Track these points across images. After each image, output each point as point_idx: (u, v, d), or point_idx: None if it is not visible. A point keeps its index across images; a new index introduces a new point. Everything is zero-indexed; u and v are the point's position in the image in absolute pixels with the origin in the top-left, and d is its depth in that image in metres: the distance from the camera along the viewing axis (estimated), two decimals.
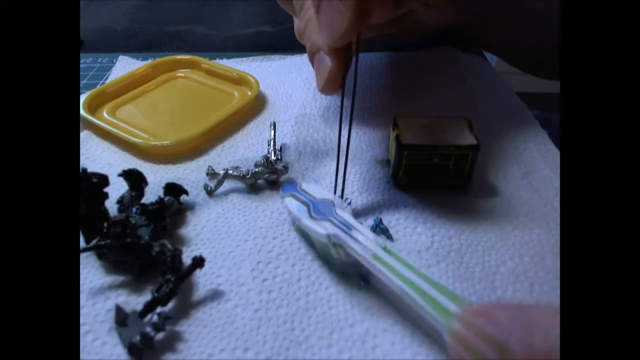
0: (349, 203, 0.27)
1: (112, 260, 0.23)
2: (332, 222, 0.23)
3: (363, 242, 0.22)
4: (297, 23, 0.32)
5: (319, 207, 0.24)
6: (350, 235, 0.22)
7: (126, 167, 0.27)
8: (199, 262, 0.22)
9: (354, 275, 0.23)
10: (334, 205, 0.24)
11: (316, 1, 0.24)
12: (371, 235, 0.22)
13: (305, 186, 0.26)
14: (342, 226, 0.23)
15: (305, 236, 0.25)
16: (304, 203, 0.25)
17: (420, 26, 0.37)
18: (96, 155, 0.31)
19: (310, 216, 0.24)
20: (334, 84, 0.26)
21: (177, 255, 0.23)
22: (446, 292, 0.19)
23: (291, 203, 0.25)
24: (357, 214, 0.27)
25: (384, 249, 0.21)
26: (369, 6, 0.22)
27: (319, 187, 0.26)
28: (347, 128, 0.25)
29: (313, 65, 0.27)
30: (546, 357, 0.16)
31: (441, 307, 0.19)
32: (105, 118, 0.34)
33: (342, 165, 0.26)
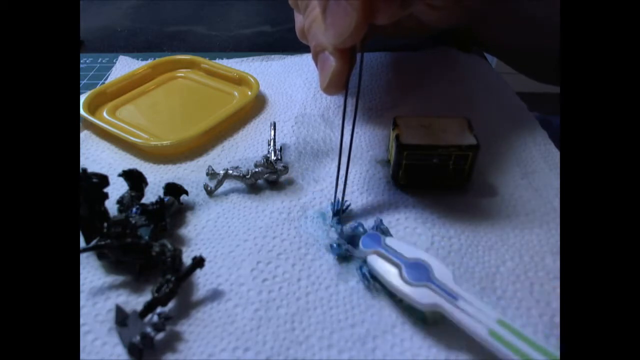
0: (349, 205, 0.27)
1: (112, 260, 0.23)
2: (431, 289, 0.20)
3: (474, 314, 0.19)
4: (299, 22, 0.32)
5: (413, 269, 0.21)
6: (457, 307, 0.20)
7: (126, 167, 0.27)
8: (199, 262, 0.22)
9: (360, 268, 0.23)
10: (430, 267, 0.21)
11: (322, 1, 0.24)
12: (481, 304, 0.20)
13: (389, 241, 0.23)
14: (444, 294, 0.20)
15: (389, 292, 0.22)
16: (393, 263, 0.22)
17: (422, 27, 0.37)
18: (96, 155, 0.31)
19: (403, 279, 0.21)
20: (337, 84, 0.26)
21: (177, 255, 0.23)
22: None
23: (377, 263, 0.22)
24: (357, 215, 0.27)
25: (500, 322, 0.19)
26: (376, 7, 0.22)
27: (406, 244, 0.23)
28: (349, 128, 0.25)
29: (316, 65, 0.27)
30: None
31: None
32: (105, 118, 0.34)
33: (343, 166, 0.26)
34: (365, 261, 0.23)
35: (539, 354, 0.18)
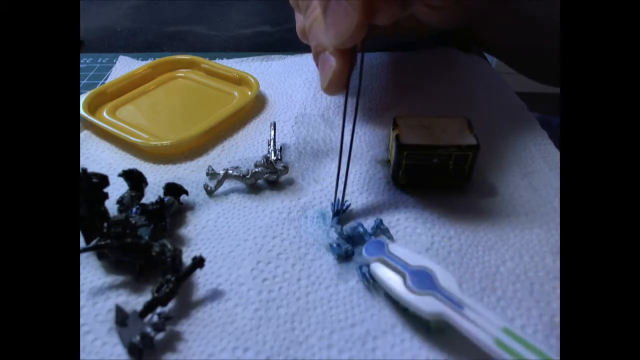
0: (349, 205, 0.27)
1: (112, 260, 0.23)
2: (436, 297, 0.20)
3: (480, 323, 0.19)
4: (300, 22, 0.32)
5: (418, 277, 0.21)
6: (463, 315, 0.19)
7: (126, 167, 0.27)
8: (199, 262, 0.22)
9: (359, 268, 0.23)
10: (434, 275, 0.21)
11: (323, 1, 0.24)
12: (487, 313, 0.19)
13: (393, 248, 0.23)
14: (450, 303, 0.20)
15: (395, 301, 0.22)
16: (397, 271, 0.22)
17: (421, 27, 0.37)
18: (96, 155, 0.31)
19: (407, 287, 0.21)
20: (338, 84, 0.26)
21: (177, 255, 0.23)
22: None
23: (381, 271, 0.22)
24: (357, 215, 0.27)
25: (506, 331, 0.19)
26: (377, 7, 0.22)
27: (409, 251, 0.23)
28: (349, 128, 0.25)
29: (317, 65, 0.27)
30: None
31: None
32: (105, 118, 0.34)
33: (343, 166, 0.26)
34: (367, 265, 0.23)
35: None
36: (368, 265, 0.23)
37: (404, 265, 0.22)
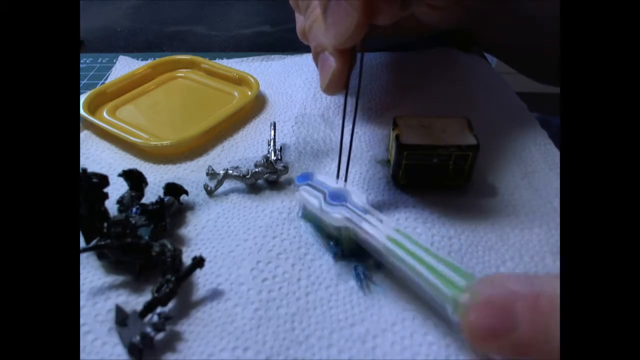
0: None
1: (112, 260, 0.23)
2: (347, 207, 0.23)
3: (377, 225, 0.22)
4: (300, 22, 0.32)
5: (335, 194, 0.25)
6: (365, 220, 0.23)
7: (126, 167, 0.27)
8: (199, 262, 0.22)
9: (354, 268, 0.24)
10: (349, 193, 0.24)
11: (323, 1, 0.24)
12: (384, 217, 0.23)
13: (321, 177, 0.26)
14: (357, 211, 0.23)
15: (314, 224, 0.26)
16: (320, 191, 0.25)
17: (421, 27, 0.37)
18: (96, 155, 0.31)
19: (326, 202, 0.24)
20: (338, 84, 0.26)
21: (177, 255, 0.23)
22: (456, 268, 0.20)
23: (306, 192, 0.25)
24: None
25: (397, 230, 0.22)
26: (377, 7, 0.22)
27: (334, 179, 0.26)
28: (348, 128, 0.25)
29: (317, 65, 0.27)
30: (551, 320, 0.16)
31: (451, 282, 0.19)
32: (105, 118, 0.34)
33: (343, 166, 0.26)
34: (363, 266, 0.24)
35: (430, 256, 0.20)
36: (363, 268, 0.23)
37: (326, 187, 0.25)
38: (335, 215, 0.23)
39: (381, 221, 0.23)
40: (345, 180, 0.26)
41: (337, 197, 0.24)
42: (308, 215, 0.26)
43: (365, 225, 0.22)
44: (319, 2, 0.25)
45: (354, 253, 0.24)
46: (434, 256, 0.20)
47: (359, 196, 0.24)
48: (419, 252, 0.21)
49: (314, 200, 0.24)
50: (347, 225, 0.23)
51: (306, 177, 0.27)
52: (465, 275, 0.19)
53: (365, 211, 0.23)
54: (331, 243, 0.24)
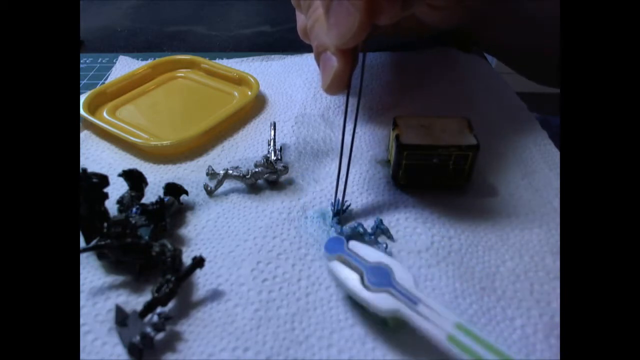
0: (349, 205, 0.27)
1: (112, 260, 0.23)
2: (392, 294, 0.20)
3: (433, 319, 0.19)
4: (301, 21, 0.32)
5: (374, 274, 0.21)
6: (417, 312, 0.19)
7: (126, 167, 0.27)
8: (199, 262, 0.22)
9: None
10: (391, 271, 0.21)
11: (325, 1, 0.24)
12: (441, 309, 0.19)
13: (353, 246, 0.22)
14: (405, 299, 0.20)
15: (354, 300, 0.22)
16: (354, 269, 0.21)
17: (422, 27, 0.37)
18: (96, 155, 0.31)
19: (364, 285, 0.21)
20: (339, 83, 0.26)
21: (177, 255, 0.23)
22: None
23: (339, 269, 0.22)
24: (357, 215, 0.27)
25: (459, 327, 0.19)
26: (379, 8, 0.22)
27: (369, 248, 0.22)
28: (349, 128, 0.25)
29: (318, 65, 0.27)
30: None
31: None
32: (105, 118, 0.34)
33: (343, 166, 0.26)
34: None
35: (497, 358, 0.17)
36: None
37: (362, 262, 0.21)
38: (380, 306, 0.20)
39: (438, 314, 0.19)
40: (346, 180, 0.26)
41: (378, 278, 0.21)
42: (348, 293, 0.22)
43: (417, 320, 0.19)
44: (321, 2, 0.25)
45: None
46: (499, 354, 0.17)
47: (403, 275, 0.21)
48: (485, 356, 0.17)
49: (349, 283, 0.21)
50: (396, 315, 0.20)
51: (336, 246, 0.22)
52: None
53: (416, 300, 0.20)
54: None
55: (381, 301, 0.20)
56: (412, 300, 0.20)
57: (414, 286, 0.20)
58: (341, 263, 0.22)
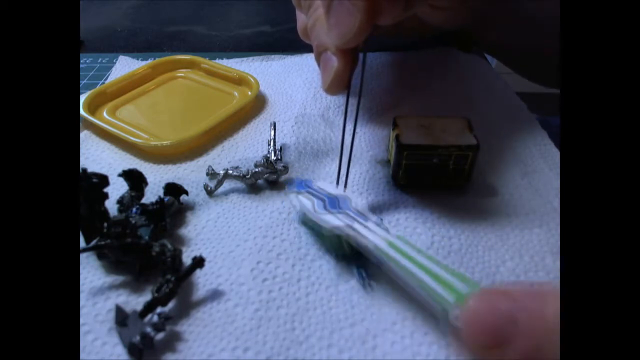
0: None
1: (112, 260, 0.23)
2: (348, 214, 0.23)
3: (378, 232, 0.22)
4: (301, 20, 0.32)
5: (335, 201, 0.24)
6: (366, 227, 0.22)
7: (126, 167, 0.27)
8: (199, 262, 0.22)
9: (356, 267, 0.23)
10: (350, 200, 0.24)
11: (326, 1, 0.24)
12: (386, 225, 0.22)
13: (320, 184, 0.26)
14: (358, 218, 0.23)
15: (314, 230, 0.25)
16: (320, 198, 0.24)
17: (423, 27, 0.37)
18: (96, 155, 0.31)
19: (326, 210, 0.23)
20: (340, 83, 0.26)
21: (177, 255, 0.23)
22: (458, 275, 0.19)
23: (305, 200, 0.25)
24: None
25: (398, 237, 0.21)
26: (380, 8, 0.22)
27: (333, 186, 0.26)
28: (350, 128, 0.25)
29: (319, 65, 0.27)
30: (555, 330, 0.16)
31: (453, 288, 0.19)
32: (105, 118, 0.34)
33: (344, 165, 0.26)
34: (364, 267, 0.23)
35: (432, 263, 0.20)
36: (364, 268, 0.23)
37: (326, 194, 0.24)
38: (336, 222, 0.23)
39: (382, 227, 0.22)
40: (346, 180, 0.26)
41: (339, 204, 0.24)
42: (306, 222, 0.25)
43: (363, 231, 0.22)
44: (321, 2, 0.25)
45: (356, 257, 0.23)
46: (436, 262, 0.20)
47: (359, 202, 0.24)
48: (419, 258, 0.20)
49: (309, 206, 0.24)
50: (347, 232, 0.22)
51: (304, 184, 0.26)
52: (468, 282, 0.19)
53: (367, 218, 0.23)
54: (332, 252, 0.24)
55: (334, 220, 0.22)
56: (363, 219, 0.23)
57: (367, 209, 0.23)
58: (309, 195, 0.25)
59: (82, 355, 0.20)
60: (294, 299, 0.22)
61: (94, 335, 0.20)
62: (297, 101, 0.37)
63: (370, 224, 0.22)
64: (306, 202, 0.24)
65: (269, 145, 0.30)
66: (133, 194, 0.26)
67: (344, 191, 0.25)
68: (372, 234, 0.22)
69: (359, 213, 0.23)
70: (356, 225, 0.22)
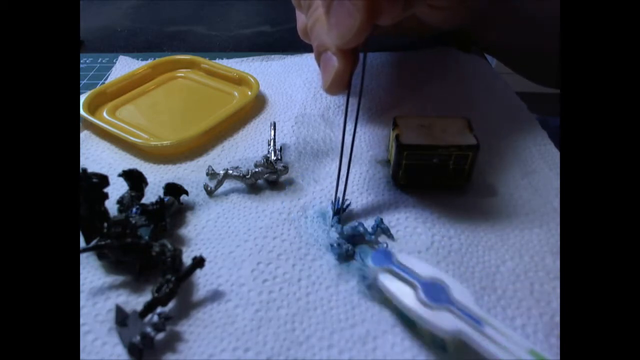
0: (349, 204, 0.27)
1: (112, 260, 0.23)
2: (453, 312, 0.18)
3: (504, 344, 0.17)
4: (301, 20, 0.32)
5: (431, 290, 0.19)
6: (484, 334, 0.18)
7: (126, 167, 0.27)
8: (199, 262, 0.22)
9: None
10: (448, 287, 0.19)
11: (326, 1, 0.24)
12: (510, 333, 0.18)
13: (402, 258, 0.21)
14: (468, 319, 0.18)
15: (402, 314, 0.20)
16: (407, 283, 0.20)
17: (423, 27, 0.37)
18: (96, 155, 0.31)
19: (420, 301, 0.19)
20: (340, 83, 0.26)
21: (177, 255, 0.23)
22: None
23: (390, 282, 0.20)
24: (357, 215, 0.27)
25: (532, 353, 0.17)
26: (380, 8, 0.22)
27: (419, 260, 0.21)
28: (350, 128, 0.25)
29: (319, 65, 0.27)
30: None
31: None
32: (105, 118, 0.34)
33: (344, 165, 0.26)
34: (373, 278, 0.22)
35: None
36: (370, 278, 0.22)
37: (414, 276, 0.20)
38: (443, 326, 0.18)
39: (508, 337, 0.17)
40: (346, 180, 0.26)
41: (436, 295, 0.19)
42: (389, 301, 0.21)
43: (487, 345, 0.17)
44: (321, 2, 0.25)
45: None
46: None
47: (462, 293, 0.19)
48: None
49: (404, 298, 0.19)
50: (461, 337, 0.18)
51: (383, 257, 0.21)
52: None
53: (481, 321, 0.18)
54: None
55: (443, 320, 0.18)
56: (476, 321, 0.18)
57: (476, 305, 0.18)
58: (391, 276, 0.20)
59: (82, 355, 0.20)
60: (294, 300, 0.22)
61: (94, 335, 0.20)
62: (297, 101, 0.37)
63: (488, 330, 0.18)
64: (394, 288, 0.20)
65: (269, 145, 0.30)
66: (133, 194, 0.26)
67: (344, 194, 0.24)
68: (497, 348, 0.17)
69: (469, 311, 0.18)
70: (471, 333, 0.18)
